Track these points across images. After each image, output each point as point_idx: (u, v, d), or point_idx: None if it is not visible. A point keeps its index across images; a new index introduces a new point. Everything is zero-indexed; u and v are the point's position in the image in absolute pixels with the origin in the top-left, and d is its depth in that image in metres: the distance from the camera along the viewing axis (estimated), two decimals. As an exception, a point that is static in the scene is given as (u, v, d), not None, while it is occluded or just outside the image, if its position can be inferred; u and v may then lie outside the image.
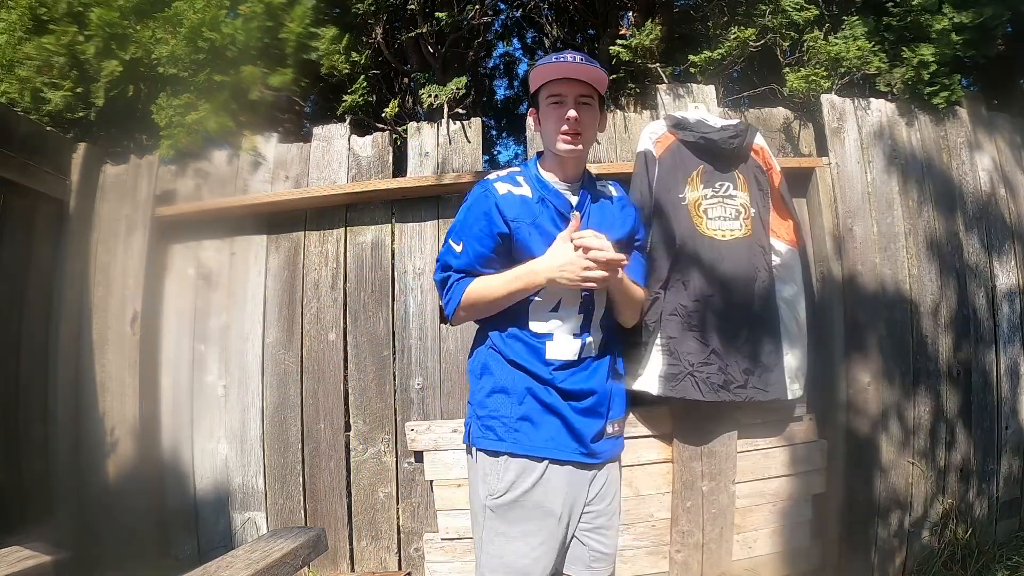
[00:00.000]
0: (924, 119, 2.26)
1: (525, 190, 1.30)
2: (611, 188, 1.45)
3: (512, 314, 1.30)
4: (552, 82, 1.26)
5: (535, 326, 1.29)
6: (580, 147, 1.28)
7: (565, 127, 1.24)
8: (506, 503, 1.24)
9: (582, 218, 1.30)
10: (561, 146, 1.27)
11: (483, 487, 1.27)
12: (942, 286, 2.17)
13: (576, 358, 1.29)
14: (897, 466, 2.09)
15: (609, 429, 1.33)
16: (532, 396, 1.27)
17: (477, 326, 1.39)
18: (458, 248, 1.30)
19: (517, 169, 1.37)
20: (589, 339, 1.31)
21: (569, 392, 1.28)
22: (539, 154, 1.39)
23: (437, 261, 1.37)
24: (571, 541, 1.32)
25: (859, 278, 2.11)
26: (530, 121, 1.36)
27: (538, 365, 1.28)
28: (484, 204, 1.29)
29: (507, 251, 1.29)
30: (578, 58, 1.25)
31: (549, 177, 1.34)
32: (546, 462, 1.25)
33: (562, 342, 1.29)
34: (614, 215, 1.39)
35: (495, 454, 1.26)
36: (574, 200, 1.33)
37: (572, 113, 1.23)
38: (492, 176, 1.34)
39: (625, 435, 1.98)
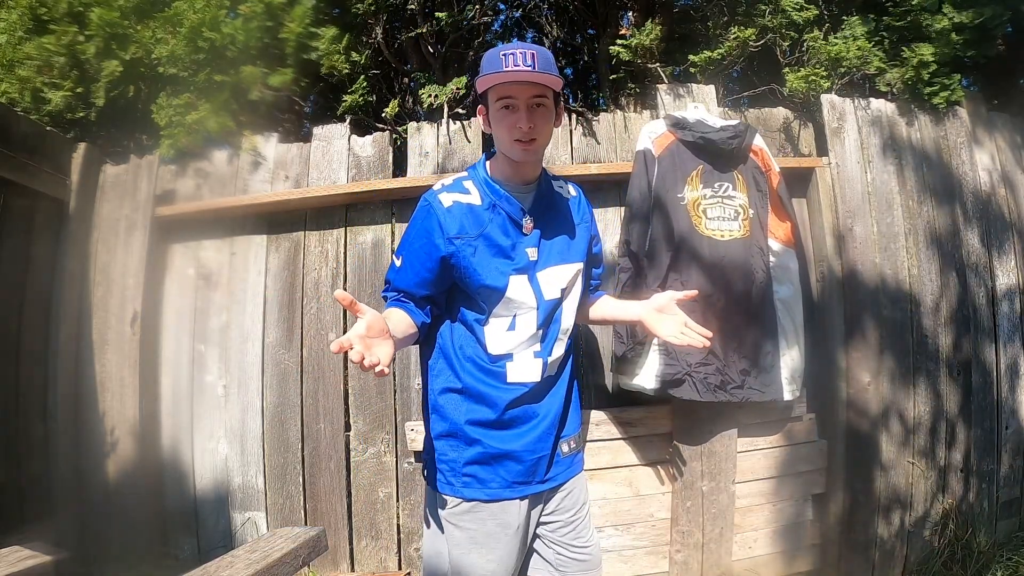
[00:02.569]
0: (924, 119, 2.26)
1: (473, 197, 1.21)
2: (568, 188, 1.37)
3: (467, 333, 1.23)
4: (502, 84, 1.14)
5: (493, 347, 1.21)
6: (536, 151, 1.19)
7: (518, 135, 1.15)
8: (463, 510, 1.23)
9: (535, 225, 1.24)
10: (516, 153, 1.17)
11: (439, 503, 1.26)
12: (942, 285, 2.17)
13: (539, 379, 1.23)
14: (897, 466, 2.09)
15: (564, 448, 1.29)
16: (480, 440, 1.22)
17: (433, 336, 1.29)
18: (398, 263, 1.23)
19: (464, 174, 1.27)
20: (551, 358, 1.24)
21: (519, 429, 1.23)
22: (489, 153, 1.28)
23: None
24: (531, 549, 1.32)
25: (859, 277, 2.11)
26: (480, 120, 1.24)
27: (497, 393, 1.21)
28: (427, 221, 1.19)
29: (448, 275, 1.21)
30: (528, 59, 1.12)
31: (501, 180, 1.24)
32: (499, 501, 1.23)
33: (523, 363, 1.22)
34: (570, 219, 1.31)
35: (446, 495, 1.25)
36: (527, 205, 1.25)
37: (525, 124, 1.13)
38: (437, 186, 1.23)
39: (626, 435, 2.01)
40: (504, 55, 1.13)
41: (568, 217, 1.31)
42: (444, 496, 1.24)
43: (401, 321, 1.17)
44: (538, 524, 1.31)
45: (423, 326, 1.23)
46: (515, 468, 1.22)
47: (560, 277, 1.26)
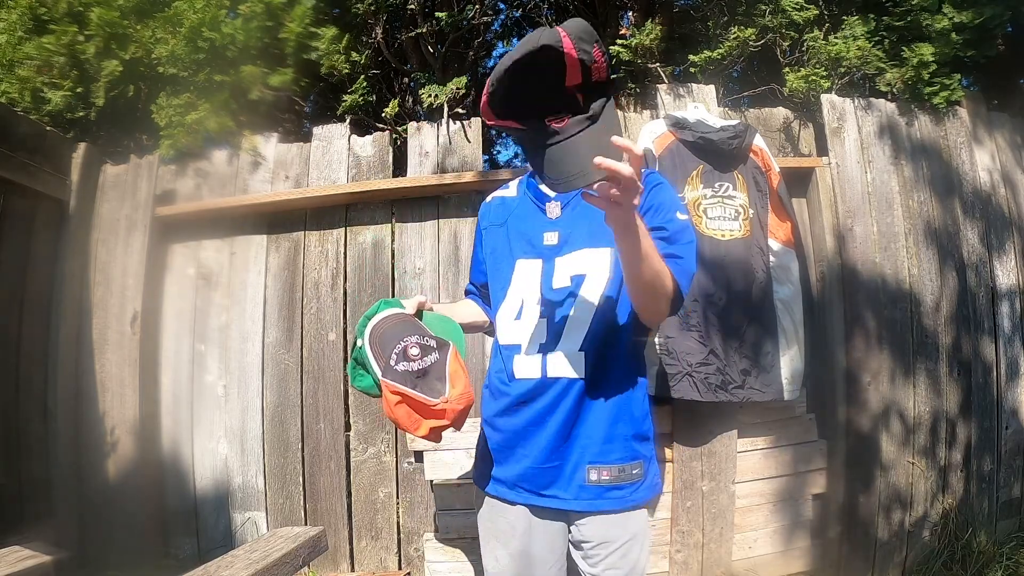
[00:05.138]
0: (924, 119, 2.26)
1: (511, 191, 1.28)
2: None
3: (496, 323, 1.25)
4: None
5: (503, 336, 1.18)
6: None
7: None
8: (481, 501, 1.23)
9: (563, 211, 1.17)
10: None
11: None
12: (942, 285, 2.17)
13: (539, 377, 1.11)
14: (897, 466, 2.09)
15: (592, 476, 1.11)
16: (493, 436, 1.19)
17: None
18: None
19: (521, 177, 1.31)
20: (555, 354, 1.11)
21: (525, 431, 1.13)
22: None
23: None
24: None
25: (859, 277, 2.11)
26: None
27: (504, 385, 1.17)
28: (479, 217, 1.31)
29: None
30: None
31: None
32: (499, 500, 1.18)
33: (527, 356, 1.13)
34: None
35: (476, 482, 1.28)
36: (553, 193, 1.17)
37: None
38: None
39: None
40: None
41: None
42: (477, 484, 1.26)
43: (466, 306, 1.29)
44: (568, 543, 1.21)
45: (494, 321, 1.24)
46: (518, 471, 1.15)
47: (584, 262, 1.14)
